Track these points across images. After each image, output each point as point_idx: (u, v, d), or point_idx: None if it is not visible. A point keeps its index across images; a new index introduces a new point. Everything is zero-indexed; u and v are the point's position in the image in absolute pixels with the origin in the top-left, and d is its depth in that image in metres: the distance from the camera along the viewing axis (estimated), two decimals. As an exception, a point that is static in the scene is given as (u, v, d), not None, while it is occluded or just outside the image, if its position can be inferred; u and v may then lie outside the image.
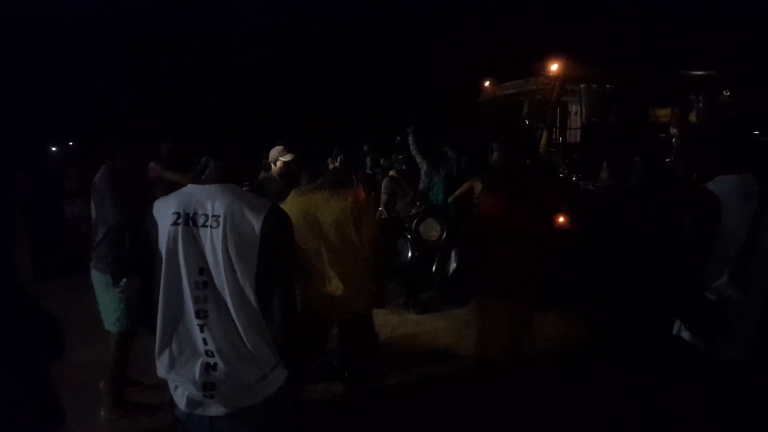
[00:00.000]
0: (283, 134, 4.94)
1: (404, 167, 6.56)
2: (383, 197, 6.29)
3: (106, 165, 3.38)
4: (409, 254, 5.98)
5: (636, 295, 3.63)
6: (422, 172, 6.75)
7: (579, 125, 7.27)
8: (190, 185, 1.77)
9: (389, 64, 16.14)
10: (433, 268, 5.64)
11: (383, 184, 6.43)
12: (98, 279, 3.40)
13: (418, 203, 6.45)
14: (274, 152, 4.50)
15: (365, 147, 10.18)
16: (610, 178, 4.39)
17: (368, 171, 8.68)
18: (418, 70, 15.88)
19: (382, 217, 6.12)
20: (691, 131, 7.56)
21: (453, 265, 5.32)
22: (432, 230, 6.13)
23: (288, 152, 4.45)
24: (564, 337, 4.64)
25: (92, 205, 3.40)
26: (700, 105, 7.55)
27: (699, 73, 7.71)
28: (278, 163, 4.45)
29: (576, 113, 7.52)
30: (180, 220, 1.66)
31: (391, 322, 5.31)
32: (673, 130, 7.60)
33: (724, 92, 7.83)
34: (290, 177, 4.48)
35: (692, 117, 7.61)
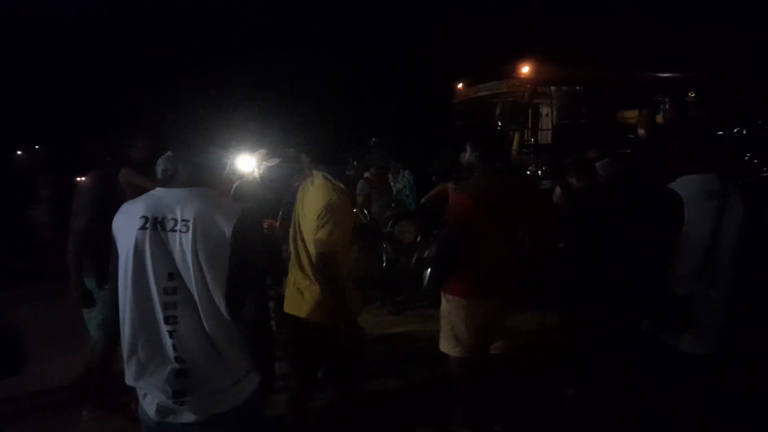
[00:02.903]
0: (257, 137, 4.91)
1: (375, 169, 6.58)
2: (358, 199, 6.29)
3: (95, 173, 3.37)
4: (385, 256, 6.00)
5: (614, 292, 3.69)
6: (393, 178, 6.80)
7: (550, 126, 7.38)
8: (158, 189, 1.73)
9: (361, 65, 16.14)
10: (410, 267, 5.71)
11: (358, 186, 6.43)
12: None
13: (393, 205, 6.47)
14: (257, 156, 4.48)
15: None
16: (579, 179, 4.46)
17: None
18: (390, 71, 15.91)
19: (357, 218, 6.14)
20: (658, 132, 7.76)
21: (427, 267, 5.35)
22: (407, 232, 6.16)
23: (272, 157, 4.44)
24: (540, 337, 4.69)
25: (74, 210, 3.40)
26: (667, 106, 7.75)
27: (666, 74, 7.91)
28: (262, 167, 4.44)
29: (547, 115, 7.64)
30: (148, 225, 1.63)
31: (367, 324, 5.29)
32: (641, 131, 7.79)
33: (690, 93, 8.06)
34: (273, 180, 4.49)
35: (659, 118, 7.81)
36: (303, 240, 2.94)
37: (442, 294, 3.17)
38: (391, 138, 7.11)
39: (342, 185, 2.98)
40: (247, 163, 4.35)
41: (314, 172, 3.05)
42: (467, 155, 3.18)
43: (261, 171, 4.40)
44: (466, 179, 3.23)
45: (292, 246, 3.05)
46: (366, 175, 6.60)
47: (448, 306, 3.12)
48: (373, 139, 7.92)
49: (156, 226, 1.63)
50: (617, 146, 6.15)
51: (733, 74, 8.08)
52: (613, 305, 3.54)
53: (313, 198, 2.90)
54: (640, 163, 5.86)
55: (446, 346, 3.17)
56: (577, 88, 7.40)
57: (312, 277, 2.90)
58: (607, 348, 3.68)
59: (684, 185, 2.43)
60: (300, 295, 2.91)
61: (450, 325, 3.12)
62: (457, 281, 3.07)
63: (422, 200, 6.20)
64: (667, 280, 2.45)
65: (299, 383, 3.14)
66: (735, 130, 8.01)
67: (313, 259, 2.87)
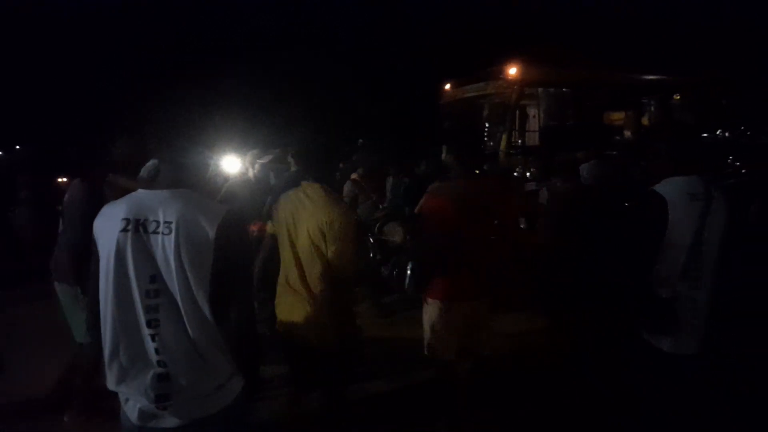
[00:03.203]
0: (244, 138, 4.89)
1: (363, 170, 6.55)
2: (345, 201, 6.25)
3: (81, 179, 3.34)
4: (372, 257, 5.98)
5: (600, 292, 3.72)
6: (387, 184, 6.77)
7: (537, 128, 7.42)
8: (140, 190, 1.70)
9: (354, 66, 16.12)
10: (394, 272, 5.68)
11: (345, 188, 6.40)
12: (64, 291, 3.34)
13: (380, 206, 6.44)
14: (250, 155, 4.47)
15: None
16: (565, 180, 4.49)
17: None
18: (381, 72, 15.91)
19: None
20: (643, 133, 7.85)
21: (409, 270, 5.33)
22: (395, 234, 6.14)
23: (265, 154, 4.42)
24: (524, 339, 4.71)
25: (61, 218, 3.38)
26: (652, 108, 7.84)
27: (651, 77, 7.99)
28: (256, 166, 4.42)
29: (534, 116, 7.69)
30: (130, 227, 1.60)
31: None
32: (627, 133, 7.87)
33: (675, 96, 8.16)
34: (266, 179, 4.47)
35: (645, 120, 7.90)
36: (297, 258, 2.64)
37: (423, 298, 3.15)
38: (381, 139, 7.06)
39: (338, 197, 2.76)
40: (234, 164, 4.32)
41: (303, 183, 2.73)
42: (444, 157, 3.17)
43: (255, 170, 4.38)
44: (442, 182, 3.22)
45: (283, 263, 2.74)
46: (353, 176, 6.57)
47: (429, 310, 3.10)
48: (361, 140, 7.91)
49: (138, 228, 1.60)
50: (603, 148, 6.19)
51: (723, 76, 8.17)
52: (607, 305, 3.56)
53: (312, 212, 2.59)
54: (626, 165, 5.92)
55: (429, 348, 3.15)
56: (564, 89, 7.45)
57: (308, 300, 2.60)
58: (606, 348, 3.70)
59: (668, 187, 2.45)
60: (295, 318, 2.65)
61: (432, 329, 3.11)
62: (436, 285, 3.05)
63: (417, 209, 6.19)
64: (652, 282, 2.47)
65: (296, 386, 3.09)
66: (717, 133, 8.12)
67: (313, 278, 2.60)
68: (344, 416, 3.04)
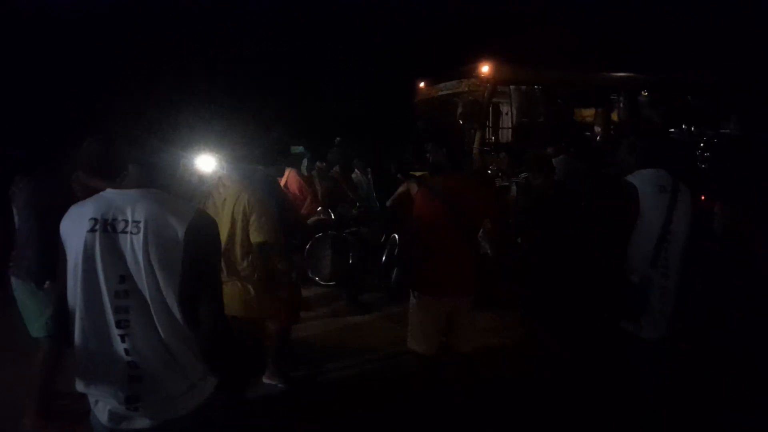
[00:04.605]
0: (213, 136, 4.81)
1: (340, 168, 6.56)
2: (322, 198, 6.25)
3: (33, 184, 3.26)
4: (350, 255, 5.99)
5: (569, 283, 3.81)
6: (360, 182, 6.79)
7: (510, 125, 7.53)
8: (108, 190, 1.68)
9: (321, 62, 16.03)
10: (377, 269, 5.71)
11: (321, 186, 6.40)
12: (20, 286, 3.29)
13: (358, 204, 6.46)
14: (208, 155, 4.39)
15: (301, 148, 10.08)
16: (536, 176, 4.57)
17: (305, 172, 8.61)
18: (353, 69, 15.87)
19: (321, 217, 6.11)
20: (613, 129, 8.02)
21: (393, 267, 5.35)
22: (373, 232, 6.17)
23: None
24: (504, 335, 4.78)
25: (14, 212, 3.32)
26: (621, 105, 8.01)
27: (620, 74, 8.16)
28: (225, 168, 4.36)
29: (507, 113, 7.79)
30: (98, 227, 1.58)
31: (333, 324, 5.29)
32: (597, 129, 8.03)
33: (643, 92, 8.35)
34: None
35: (614, 116, 8.07)
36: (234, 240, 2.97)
37: (410, 291, 3.19)
38: (354, 136, 7.08)
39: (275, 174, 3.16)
40: (208, 164, 4.27)
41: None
42: (431, 155, 3.23)
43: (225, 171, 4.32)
44: (428, 179, 3.28)
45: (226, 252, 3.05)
46: (330, 173, 6.58)
47: (416, 303, 3.15)
48: (338, 138, 7.92)
49: (106, 227, 1.58)
50: (573, 144, 6.31)
51: (688, 74, 8.38)
52: (575, 297, 3.65)
53: (233, 195, 2.98)
54: (595, 160, 6.04)
55: (413, 343, 3.19)
56: (535, 87, 7.56)
57: (235, 279, 2.94)
58: (578, 336, 3.80)
59: (639, 178, 2.61)
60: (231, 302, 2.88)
61: (417, 322, 3.15)
62: (423, 278, 3.10)
63: (388, 202, 6.23)
64: (624, 270, 2.61)
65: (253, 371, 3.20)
66: (683, 128, 8.33)
67: (238, 257, 2.93)
68: (305, 410, 3.10)
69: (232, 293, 2.89)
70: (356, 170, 6.85)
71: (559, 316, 4.06)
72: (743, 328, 3.17)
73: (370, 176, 6.89)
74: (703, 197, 4.73)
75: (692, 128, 8.29)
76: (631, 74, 8.21)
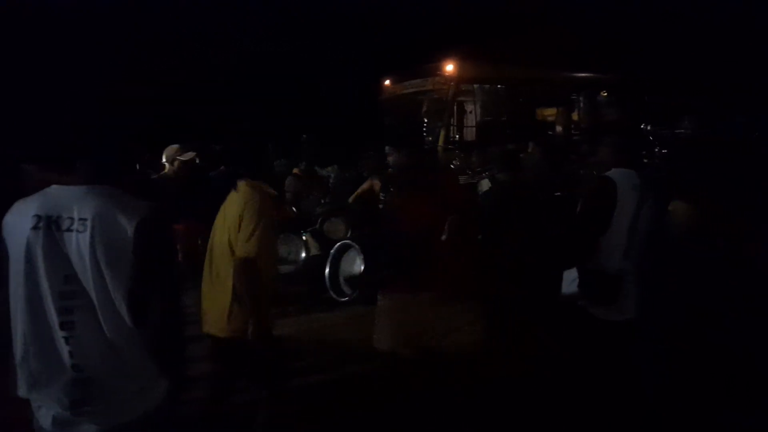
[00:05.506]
0: (174, 132, 4.71)
1: (305, 165, 6.50)
2: (287, 195, 6.18)
3: None
4: (314, 253, 5.93)
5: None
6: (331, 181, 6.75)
7: (474, 123, 7.60)
8: (53, 186, 1.62)
9: (286, 60, 15.87)
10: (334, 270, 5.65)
11: (287, 182, 6.32)
12: None
13: (322, 201, 6.42)
14: (169, 151, 4.26)
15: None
16: (503, 172, 4.61)
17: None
18: (317, 65, 15.76)
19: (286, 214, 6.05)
20: (574, 128, 8.20)
21: (360, 266, 5.30)
22: (337, 229, 6.12)
23: (186, 151, 4.25)
24: (470, 331, 4.77)
25: None
26: (581, 104, 8.19)
27: (581, 74, 8.34)
28: (176, 163, 4.23)
29: (471, 112, 7.86)
30: (41, 224, 1.52)
31: (298, 322, 5.23)
32: (558, 128, 8.19)
33: (602, 92, 8.55)
34: (188, 177, 4.29)
35: (574, 115, 8.24)
36: (213, 250, 2.74)
37: (379, 291, 3.17)
38: (325, 135, 7.03)
39: (265, 188, 2.75)
40: (164, 159, 4.17)
41: (239, 183, 2.76)
42: (391, 154, 3.21)
43: (175, 167, 4.21)
44: (397, 177, 3.26)
45: (207, 258, 2.81)
46: (295, 170, 6.50)
47: (385, 302, 3.13)
48: (304, 135, 7.84)
49: (50, 225, 1.52)
50: (536, 141, 6.41)
51: (646, 74, 8.61)
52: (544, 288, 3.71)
53: (235, 203, 2.68)
54: (555, 157, 6.16)
55: (380, 341, 3.17)
56: (499, 86, 7.65)
57: (223, 291, 2.65)
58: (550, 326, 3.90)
59: (615, 174, 2.82)
60: (214, 311, 2.71)
61: (385, 321, 3.13)
62: (393, 278, 3.09)
63: (350, 198, 6.20)
64: (598, 260, 2.83)
65: (221, 383, 3.03)
66: (642, 127, 8.57)
67: (226, 268, 2.65)
68: (277, 413, 3.02)
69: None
70: (328, 168, 6.80)
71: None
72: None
73: (338, 173, 6.84)
74: (664, 196, 4.88)
75: (648, 127, 8.54)
76: (590, 74, 8.40)
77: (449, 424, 3.19)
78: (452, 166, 6.57)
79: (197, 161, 4.33)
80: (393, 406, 3.24)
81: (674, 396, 3.04)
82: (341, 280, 5.57)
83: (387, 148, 3.28)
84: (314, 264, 5.90)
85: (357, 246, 5.34)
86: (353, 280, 5.43)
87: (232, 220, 2.62)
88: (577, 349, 3.22)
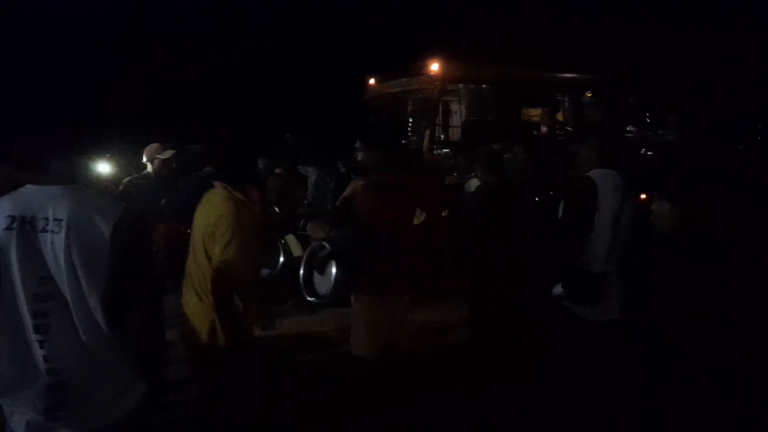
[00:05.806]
0: (155, 131, 4.65)
1: (288, 165, 6.44)
2: (270, 196, 6.12)
3: None
4: (283, 254, 5.87)
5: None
6: (311, 180, 6.68)
7: (459, 123, 7.59)
8: (28, 186, 1.58)
9: (270, 57, 15.77)
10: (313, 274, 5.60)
11: (269, 183, 6.26)
12: None
13: (305, 202, 6.37)
14: (150, 150, 4.20)
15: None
16: (486, 173, 4.61)
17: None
18: (306, 65, 15.69)
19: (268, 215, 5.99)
20: (558, 129, 8.25)
21: (334, 269, 5.23)
22: (319, 230, 6.08)
23: (166, 149, 4.19)
24: (449, 330, 4.79)
25: None
26: (566, 105, 8.24)
27: (566, 75, 8.37)
28: (155, 162, 4.18)
29: (456, 112, 7.86)
30: (15, 225, 1.48)
31: (280, 323, 5.18)
32: (544, 128, 8.24)
33: (586, 93, 8.60)
34: (168, 176, 4.24)
35: (559, 116, 8.29)
36: (195, 257, 2.67)
37: (353, 295, 3.13)
38: (307, 135, 6.97)
39: (242, 196, 2.66)
40: (145, 158, 4.10)
41: (216, 184, 2.72)
42: (359, 154, 3.19)
43: (155, 166, 4.15)
44: (372, 177, 3.22)
45: (188, 262, 2.76)
46: (277, 170, 6.44)
47: (358, 306, 3.10)
48: (288, 135, 7.77)
49: (24, 226, 1.48)
50: (521, 142, 6.42)
51: (629, 75, 8.68)
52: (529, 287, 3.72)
53: (210, 209, 2.62)
54: (539, 158, 6.19)
55: (357, 346, 3.14)
56: (484, 86, 7.66)
57: (203, 299, 2.63)
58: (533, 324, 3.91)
59: (596, 176, 2.83)
60: (193, 317, 2.67)
61: (359, 325, 3.10)
62: (364, 281, 3.05)
63: (337, 202, 6.16)
64: (582, 261, 2.85)
65: (200, 388, 3.00)
66: (626, 128, 8.65)
67: (204, 276, 2.60)
68: (254, 417, 2.98)
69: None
70: (309, 168, 6.74)
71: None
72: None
73: (321, 174, 6.78)
74: (644, 196, 4.93)
75: (631, 129, 8.63)
76: (576, 75, 8.44)
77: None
78: (438, 166, 6.56)
79: (173, 164, 4.27)
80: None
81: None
82: (315, 281, 5.52)
83: (356, 145, 3.24)
84: (297, 266, 5.85)
85: (329, 247, 5.28)
86: (326, 281, 5.39)
87: (207, 228, 2.58)
88: (565, 349, 3.22)
